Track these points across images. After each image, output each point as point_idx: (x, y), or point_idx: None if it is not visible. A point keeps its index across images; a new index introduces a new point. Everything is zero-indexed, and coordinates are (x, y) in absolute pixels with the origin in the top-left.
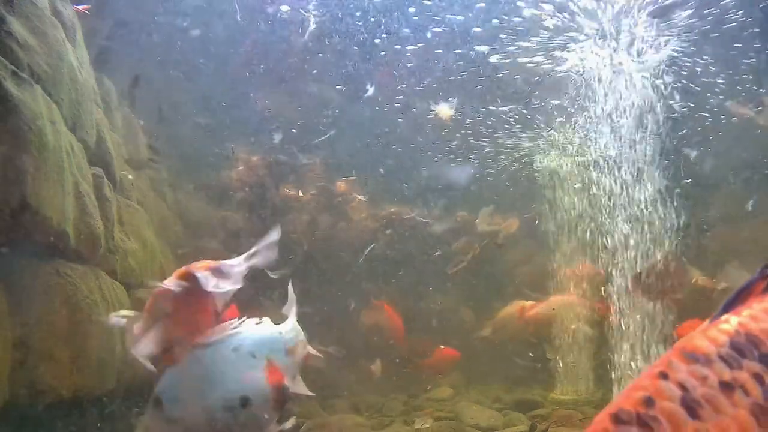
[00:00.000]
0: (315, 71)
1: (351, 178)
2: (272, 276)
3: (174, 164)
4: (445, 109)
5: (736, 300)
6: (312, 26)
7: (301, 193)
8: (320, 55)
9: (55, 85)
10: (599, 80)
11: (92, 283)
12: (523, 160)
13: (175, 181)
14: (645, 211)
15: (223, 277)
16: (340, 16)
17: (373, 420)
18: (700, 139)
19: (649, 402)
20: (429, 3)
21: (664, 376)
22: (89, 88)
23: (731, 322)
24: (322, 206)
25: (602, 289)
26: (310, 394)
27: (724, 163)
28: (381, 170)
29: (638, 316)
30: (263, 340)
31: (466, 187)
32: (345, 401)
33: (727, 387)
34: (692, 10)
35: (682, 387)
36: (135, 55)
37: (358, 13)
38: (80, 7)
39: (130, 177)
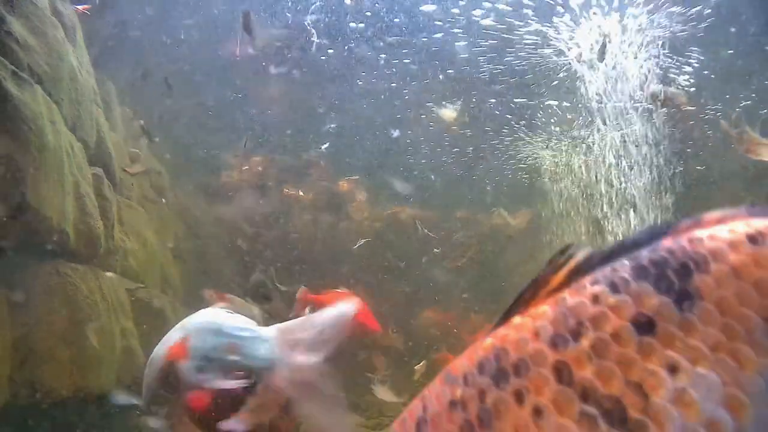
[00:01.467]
0: (320, 72)
1: (354, 177)
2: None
3: (175, 165)
4: (448, 112)
5: (521, 302)
6: (316, 40)
7: (301, 193)
8: (323, 57)
9: (55, 85)
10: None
11: (92, 283)
12: (527, 158)
13: (175, 182)
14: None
15: None
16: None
17: (373, 420)
18: (702, 137)
19: (402, 422)
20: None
21: (423, 398)
22: (89, 88)
23: (495, 334)
24: (323, 206)
25: None
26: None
27: (724, 162)
28: (382, 170)
29: None
30: (215, 323)
31: (467, 186)
32: (345, 401)
33: (452, 406)
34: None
35: (424, 409)
36: (135, 55)
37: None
38: (80, 7)
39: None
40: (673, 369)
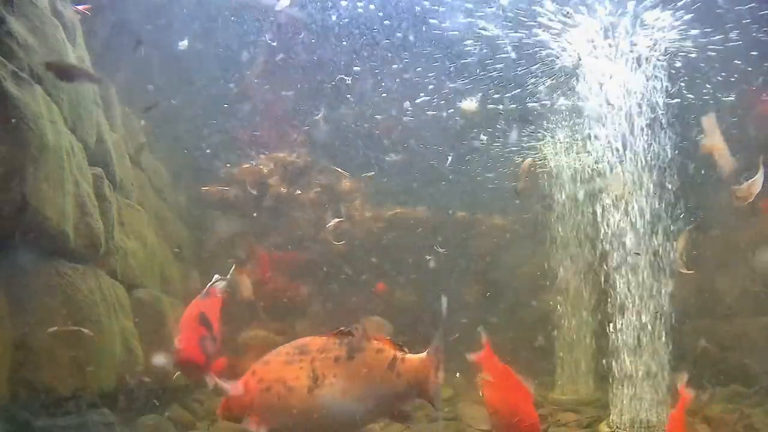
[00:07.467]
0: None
1: (370, 173)
2: None
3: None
4: (468, 104)
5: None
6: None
7: (299, 191)
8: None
9: (55, 85)
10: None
11: (92, 283)
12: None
13: (177, 182)
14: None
15: None
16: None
17: None
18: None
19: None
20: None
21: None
22: (89, 88)
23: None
24: (325, 206)
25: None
26: None
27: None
28: (384, 170)
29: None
30: None
31: (469, 187)
32: None
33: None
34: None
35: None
36: (135, 55)
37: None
38: (80, 7)
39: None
40: (332, 375)
